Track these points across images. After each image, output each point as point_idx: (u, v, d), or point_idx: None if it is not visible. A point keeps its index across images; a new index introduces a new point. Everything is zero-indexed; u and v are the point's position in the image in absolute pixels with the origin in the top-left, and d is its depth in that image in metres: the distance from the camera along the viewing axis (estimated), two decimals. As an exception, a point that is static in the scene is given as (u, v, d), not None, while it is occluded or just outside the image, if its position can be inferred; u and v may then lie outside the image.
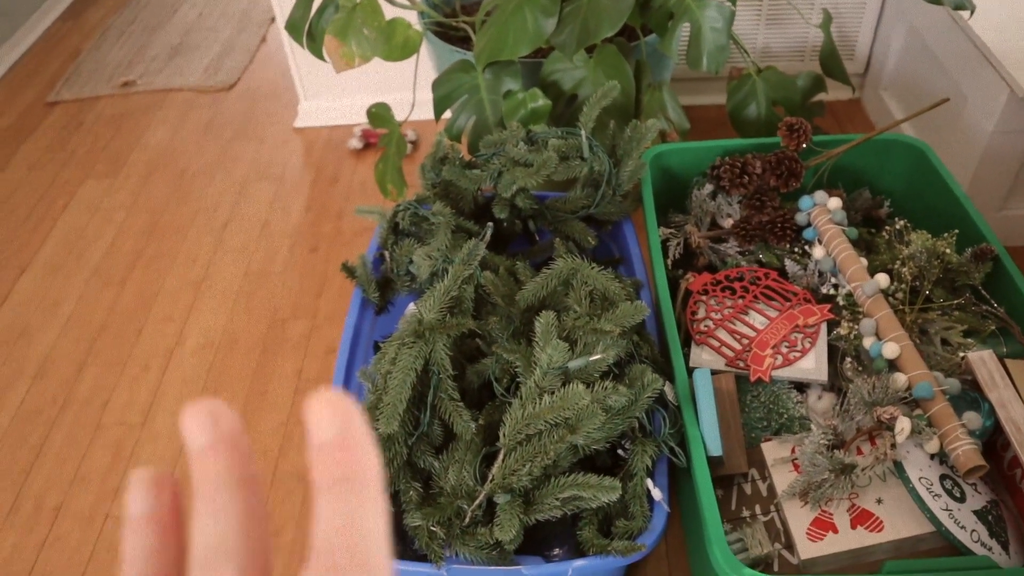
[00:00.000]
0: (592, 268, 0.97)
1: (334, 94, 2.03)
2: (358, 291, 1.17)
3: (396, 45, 1.47)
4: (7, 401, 1.51)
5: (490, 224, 1.03)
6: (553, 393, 0.82)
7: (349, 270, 1.15)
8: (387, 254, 1.17)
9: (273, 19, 2.48)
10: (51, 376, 1.55)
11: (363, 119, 2.06)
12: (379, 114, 1.55)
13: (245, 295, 1.67)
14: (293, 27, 1.25)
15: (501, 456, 0.84)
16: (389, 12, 1.54)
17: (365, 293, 1.16)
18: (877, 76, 1.87)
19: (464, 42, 1.56)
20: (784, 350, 1.09)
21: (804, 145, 1.17)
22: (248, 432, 1.41)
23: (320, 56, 1.34)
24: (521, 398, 0.84)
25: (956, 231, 1.13)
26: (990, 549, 0.88)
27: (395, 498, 0.93)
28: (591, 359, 0.84)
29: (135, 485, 0.25)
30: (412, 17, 1.65)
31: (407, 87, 1.99)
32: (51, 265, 1.79)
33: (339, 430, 0.23)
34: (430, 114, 2.00)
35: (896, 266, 1.11)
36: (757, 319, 1.13)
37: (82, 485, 1.37)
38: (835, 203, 1.16)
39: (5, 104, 2.33)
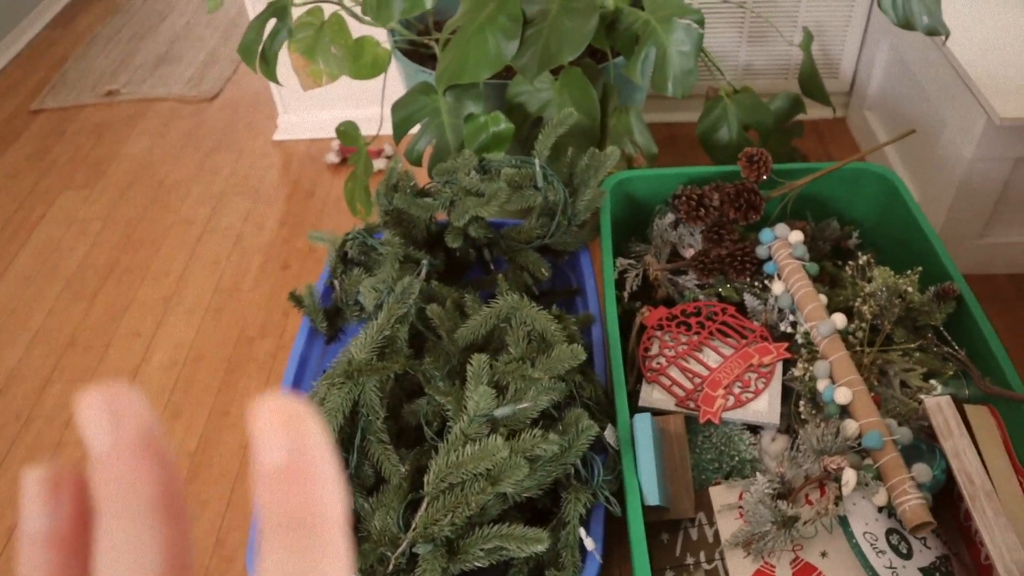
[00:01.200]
0: (532, 307, 0.94)
1: (313, 107, 2.01)
2: (306, 320, 1.15)
3: (364, 64, 1.45)
4: (-30, 417, 1.51)
5: (424, 260, 1.00)
6: (477, 442, 0.79)
7: (297, 299, 1.13)
8: (336, 283, 1.15)
9: (260, 28, 2.47)
10: (16, 391, 1.54)
11: (343, 132, 2.04)
12: (347, 132, 1.53)
13: (214, 311, 1.65)
14: (246, 50, 1.23)
15: (424, 504, 0.82)
16: (358, 30, 1.52)
17: (313, 323, 1.14)
18: (862, 96, 1.83)
19: (433, 60, 1.53)
20: (737, 390, 1.06)
21: (764, 176, 1.14)
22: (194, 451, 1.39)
23: (274, 79, 1.32)
24: (447, 444, 0.81)
25: (920, 268, 1.10)
26: (934, 609, 0.85)
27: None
28: (518, 407, 0.82)
29: (30, 492, 0.19)
30: (382, 35, 1.63)
31: (388, 98, 1.96)
32: (23, 277, 1.78)
33: (292, 451, 0.18)
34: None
35: (857, 304, 1.08)
36: (711, 356, 1.10)
37: (38, 506, 1.35)
38: (796, 237, 1.13)
39: (-9, 111, 2.33)
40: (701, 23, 1.29)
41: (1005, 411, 0.98)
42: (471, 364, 0.86)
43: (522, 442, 0.80)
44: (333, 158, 1.95)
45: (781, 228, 1.14)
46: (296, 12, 1.36)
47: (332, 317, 1.17)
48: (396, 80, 1.93)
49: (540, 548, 0.81)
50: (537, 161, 1.13)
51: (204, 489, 1.35)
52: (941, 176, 1.46)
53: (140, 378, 1.54)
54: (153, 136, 2.14)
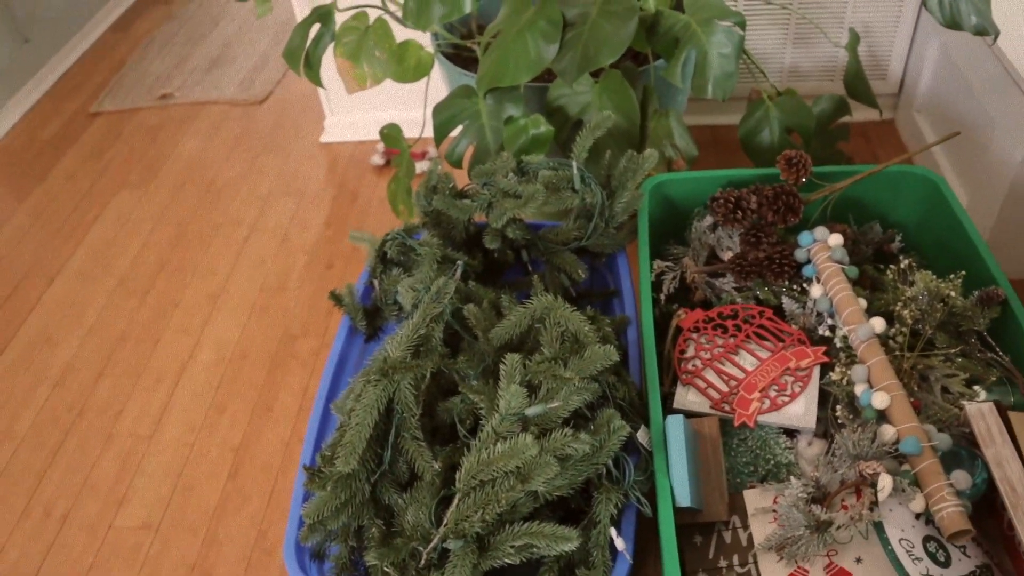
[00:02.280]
0: (566, 308, 0.95)
1: (359, 109, 2.04)
2: (346, 319, 1.17)
3: (408, 67, 1.47)
4: (28, 407, 1.56)
5: (460, 261, 1.02)
6: (507, 440, 0.80)
7: (337, 298, 1.16)
8: (375, 283, 1.17)
9: (308, 32, 2.52)
10: (70, 384, 1.60)
11: (387, 134, 2.07)
12: (391, 135, 1.56)
13: (259, 309, 1.69)
14: (290, 55, 1.26)
15: (456, 500, 0.83)
16: (402, 34, 1.54)
17: (352, 321, 1.16)
18: (911, 97, 1.80)
19: (476, 64, 1.55)
20: (773, 394, 1.05)
21: (804, 179, 1.13)
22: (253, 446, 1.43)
23: (318, 83, 1.34)
24: (479, 442, 0.83)
25: (963, 272, 1.08)
26: (971, 619, 0.84)
27: (358, 533, 0.93)
28: (549, 407, 0.83)
29: None
30: (425, 39, 1.65)
31: (431, 101, 1.99)
32: (80, 274, 1.85)
33: None
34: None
35: (897, 308, 1.06)
36: (748, 359, 1.10)
37: (90, 494, 1.40)
38: (836, 240, 1.12)
39: (52, 114, 2.42)
40: (742, 25, 1.29)
41: (1050, 420, 0.95)
42: (504, 363, 0.87)
43: (553, 441, 0.81)
44: (378, 160, 1.98)
45: (821, 231, 1.13)
46: (341, 17, 1.39)
47: (371, 316, 1.19)
48: (439, 83, 1.95)
49: (570, 547, 0.81)
50: (575, 163, 1.14)
51: (246, 484, 1.38)
52: (991, 179, 1.43)
53: (187, 374, 1.58)
54: (204, 138, 2.19)
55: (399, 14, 1.48)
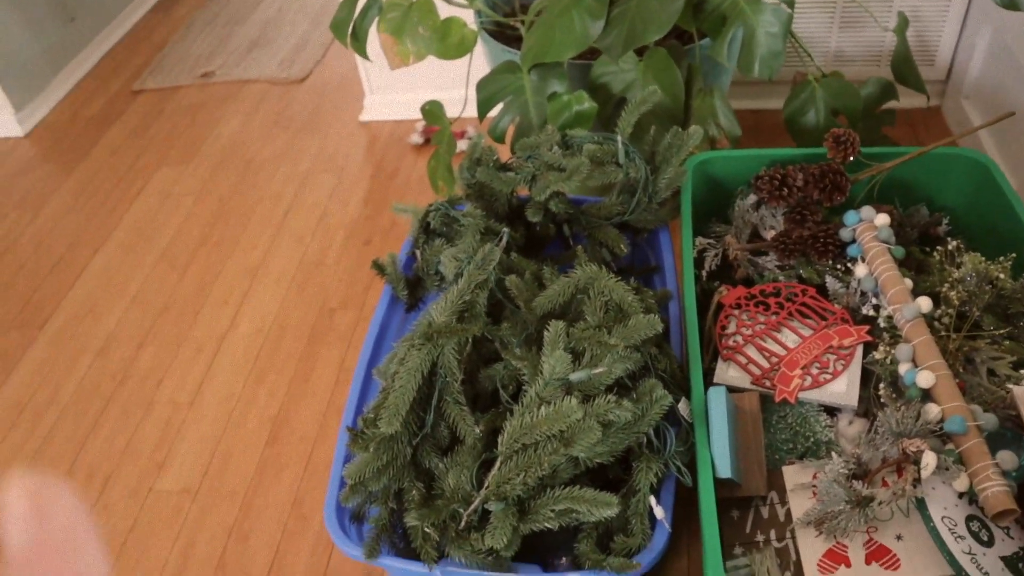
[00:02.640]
0: (610, 278, 0.95)
1: (399, 89, 2.05)
2: (388, 288, 1.18)
3: (451, 44, 1.47)
4: (72, 374, 1.60)
5: (505, 230, 1.02)
6: (551, 404, 0.81)
7: (380, 267, 1.17)
8: (418, 253, 1.18)
9: (349, 13, 2.53)
10: (113, 353, 1.63)
11: (426, 114, 2.07)
12: (432, 112, 1.56)
13: (298, 283, 1.71)
14: (337, 27, 1.27)
15: (498, 463, 0.84)
16: (446, 11, 1.55)
17: (395, 291, 1.17)
18: (959, 83, 1.77)
19: (519, 42, 1.55)
20: (815, 371, 1.04)
21: (852, 157, 1.12)
22: (290, 416, 1.45)
23: (364, 55, 1.35)
24: (522, 406, 0.83)
25: (1013, 255, 1.06)
26: (1015, 599, 0.83)
27: (398, 496, 0.94)
28: (593, 372, 0.83)
29: None
30: (468, 16, 1.65)
31: (469, 84, 1.99)
32: (123, 247, 1.88)
33: (36, 540, 0.17)
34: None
35: (944, 289, 1.05)
36: (790, 337, 1.09)
37: (131, 458, 1.43)
38: (882, 220, 1.11)
39: (96, 92, 2.46)
40: (791, 4, 1.28)
41: (1100, 403, 0.94)
42: (548, 330, 0.88)
43: (596, 407, 0.81)
44: (416, 139, 1.99)
45: (867, 210, 1.12)
46: (387, -8, 1.40)
47: (413, 286, 1.20)
48: (480, 62, 1.95)
49: (609, 513, 0.82)
50: (620, 138, 1.14)
51: (284, 451, 1.40)
52: (1040, 166, 1.41)
53: (226, 345, 1.60)
54: (244, 116, 2.22)
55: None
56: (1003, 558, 0.86)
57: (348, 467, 0.90)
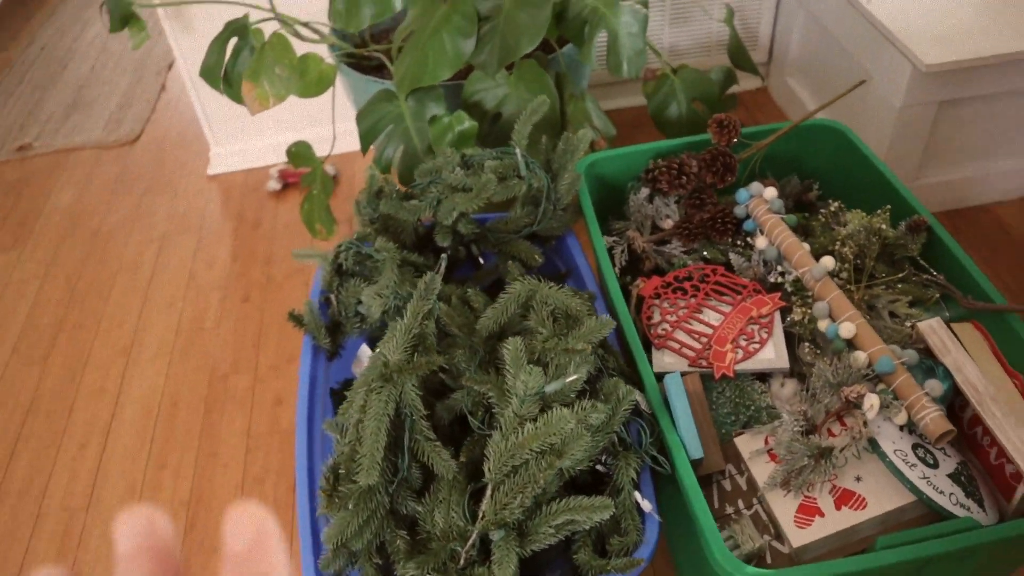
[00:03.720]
0: (551, 287, 0.96)
1: (246, 137, 1.97)
2: (308, 339, 1.13)
3: (311, 81, 1.44)
4: (-66, 502, 1.41)
5: (444, 255, 1.01)
6: (535, 420, 0.80)
7: (297, 319, 1.11)
8: (333, 297, 1.13)
9: (171, 65, 2.39)
10: (-21, 468, 1.45)
11: (279, 159, 2.00)
12: (300, 152, 1.52)
13: (180, 354, 1.60)
14: (208, 73, 1.21)
15: (489, 491, 0.82)
16: (298, 48, 1.50)
17: (316, 340, 1.12)
18: (781, 64, 1.92)
19: (378, 71, 1.53)
20: (743, 343, 1.10)
21: (735, 140, 1.19)
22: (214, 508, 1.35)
23: (239, 100, 1.29)
24: (501, 430, 0.82)
25: (888, 207, 1.17)
26: (969, 509, 0.91)
27: (380, 550, 0.90)
28: (567, 380, 0.83)
29: None
30: (322, 51, 1.62)
31: (320, 123, 1.94)
32: (-37, 349, 1.68)
33: (252, 541, 0.23)
34: (349, 147, 1.97)
35: (837, 247, 1.14)
36: (712, 316, 1.14)
37: (30, 581, 1.28)
38: (771, 193, 1.18)
39: None
40: (645, 4, 1.34)
41: (988, 323, 1.05)
42: (507, 348, 0.87)
43: (579, 412, 0.81)
44: (274, 185, 1.92)
45: (755, 186, 1.19)
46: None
47: (332, 333, 1.15)
48: (340, 99, 1.91)
49: (606, 515, 0.82)
50: (518, 150, 1.15)
51: (207, 536, 1.30)
52: (874, 127, 1.56)
53: (113, 434, 1.47)
54: (78, 186, 2.05)
55: (296, 28, 1.45)
56: (948, 475, 0.94)
57: (327, 530, 0.85)
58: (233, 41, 1.22)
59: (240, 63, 1.22)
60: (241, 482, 1.37)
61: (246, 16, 1.22)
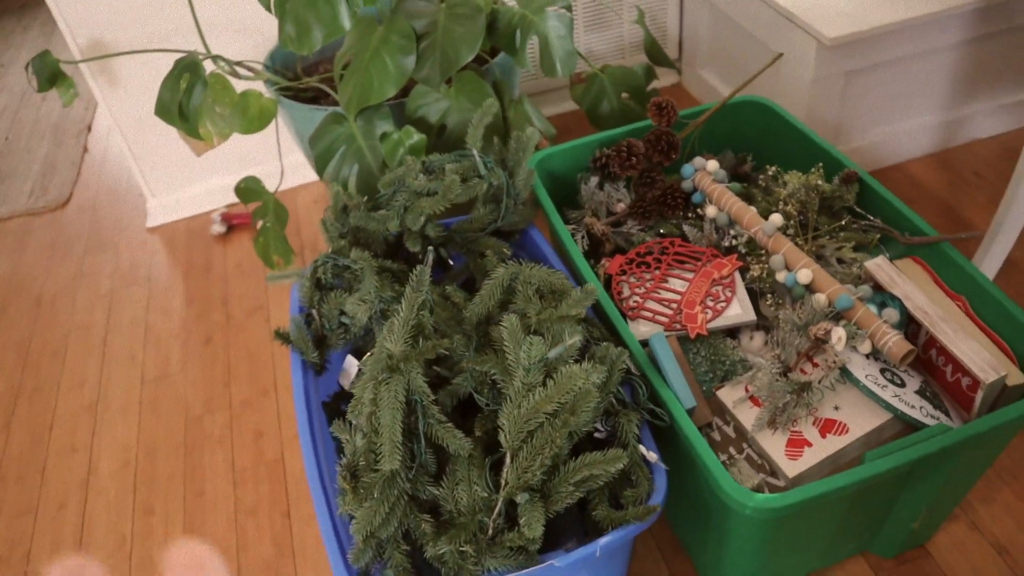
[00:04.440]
0: (532, 267, 1.01)
1: (183, 185, 1.97)
2: (295, 355, 1.15)
3: (252, 117, 1.46)
4: (-91, 588, 1.35)
5: (431, 248, 1.05)
6: (544, 385, 0.85)
7: (283, 336, 1.13)
8: (315, 312, 1.16)
9: (90, 126, 2.37)
10: (-47, 547, 1.40)
11: (219, 203, 2.00)
12: (249, 188, 1.53)
13: (149, 403, 1.58)
14: (163, 110, 1.22)
15: (509, 459, 0.86)
16: (236, 86, 1.53)
17: (304, 355, 1.14)
18: (693, 58, 2.04)
19: (314, 101, 1.57)
20: (711, 304, 1.17)
21: (674, 120, 1.27)
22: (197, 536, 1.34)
23: (196, 135, 1.31)
24: (513, 398, 0.86)
25: (820, 164, 1.27)
26: (938, 419, 0.99)
27: (406, 537, 0.92)
28: (567, 343, 0.88)
29: None
30: (259, 88, 1.64)
31: (254, 163, 1.96)
32: (-86, 432, 1.62)
33: None
34: (289, 183, 1.98)
35: (780, 206, 1.23)
36: (677, 284, 1.21)
37: (28, 648, 1.24)
38: (713, 165, 1.27)
39: None
40: (569, 8, 1.42)
41: (925, 255, 1.15)
42: (504, 326, 0.91)
43: (586, 369, 0.86)
44: (218, 228, 1.92)
45: (698, 161, 1.28)
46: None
47: (317, 347, 1.17)
48: (278, 134, 1.93)
49: (620, 465, 0.87)
50: (475, 151, 1.20)
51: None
52: (788, 102, 1.68)
53: (93, 490, 1.44)
54: (11, 255, 2.00)
55: (234, 68, 1.47)
56: (916, 392, 1.02)
57: (355, 523, 0.87)
58: (186, 77, 1.24)
59: (195, 98, 1.24)
60: (234, 515, 1.37)
61: (194, 52, 1.25)
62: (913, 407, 0.99)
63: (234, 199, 2.00)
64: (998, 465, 1.28)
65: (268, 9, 1.29)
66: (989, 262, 1.46)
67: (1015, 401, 0.98)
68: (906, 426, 1.01)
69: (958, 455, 0.96)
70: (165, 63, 1.74)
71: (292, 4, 1.23)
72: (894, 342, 1.01)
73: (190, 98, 1.23)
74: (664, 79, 2.14)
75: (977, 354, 1.01)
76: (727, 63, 1.91)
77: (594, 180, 1.35)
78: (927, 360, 1.10)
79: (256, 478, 1.42)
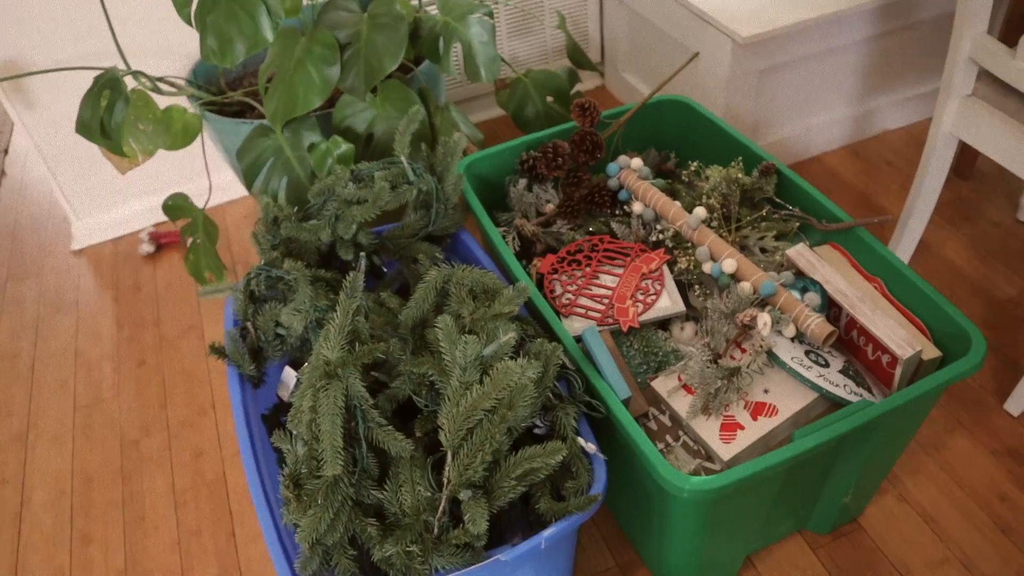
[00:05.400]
0: (463, 269, 1.03)
1: (109, 206, 1.92)
2: (232, 370, 1.14)
3: (177, 133, 1.45)
4: None
5: (363, 254, 1.05)
6: (481, 383, 0.86)
7: (219, 351, 1.12)
8: (250, 325, 1.15)
9: (6, 150, 2.30)
10: None
11: (147, 223, 1.97)
12: (176, 205, 1.52)
13: (82, 430, 1.54)
14: (85, 128, 1.20)
15: (450, 457, 0.87)
16: (160, 102, 1.51)
17: (241, 369, 1.13)
18: (614, 60, 2.09)
19: (239, 115, 1.56)
20: (641, 297, 1.20)
21: (596, 121, 1.30)
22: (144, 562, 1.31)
23: (120, 153, 1.29)
24: (451, 397, 0.87)
25: (740, 158, 1.32)
26: (861, 395, 1.04)
27: (352, 542, 0.92)
28: (502, 340, 0.90)
29: None
30: (183, 103, 1.62)
31: (180, 182, 1.93)
32: None
33: None
34: (216, 200, 1.96)
35: (704, 200, 1.27)
36: (608, 279, 1.24)
37: None
38: (637, 163, 1.30)
39: None
40: (491, 15, 1.45)
41: (842, 241, 1.20)
42: (438, 327, 0.93)
43: (521, 365, 0.88)
44: (147, 248, 1.88)
45: (623, 159, 1.31)
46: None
47: (254, 360, 1.17)
48: (204, 151, 1.91)
49: (559, 457, 0.89)
50: (404, 158, 1.21)
51: (152, 597, 1.27)
52: (707, 99, 1.73)
53: (27, 522, 1.40)
54: (-73, 287, 1.93)
55: (156, 83, 1.46)
56: (840, 371, 1.07)
57: (300, 531, 0.87)
58: (107, 94, 1.22)
59: (116, 115, 1.22)
60: (177, 539, 1.34)
61: (114, 67, 1.23)
62: (837, 386, 1.04)
63: (162, 218, 1.96)
64: (920, 438, 1.34)
65: (188, 22, 1.28)
66: (903, 245, 1.53)
67: (931, 374, 1.04)
68: (832, 404, 1.06)
69: (881, 428, 1.01)
70: (84, 82, 1.71)
71: (213, 17, 1.22)
72: (816, 324, 1.05)
73: (112, 115, 1.21)
74: (588, 82, 2.18)
75: (895, 332, 1.06)
76: (647, 64, 1.96)
77: (522, 182, 1.37)
78: (849, 340, 1.15)
79: (197, 499, 1.40)
